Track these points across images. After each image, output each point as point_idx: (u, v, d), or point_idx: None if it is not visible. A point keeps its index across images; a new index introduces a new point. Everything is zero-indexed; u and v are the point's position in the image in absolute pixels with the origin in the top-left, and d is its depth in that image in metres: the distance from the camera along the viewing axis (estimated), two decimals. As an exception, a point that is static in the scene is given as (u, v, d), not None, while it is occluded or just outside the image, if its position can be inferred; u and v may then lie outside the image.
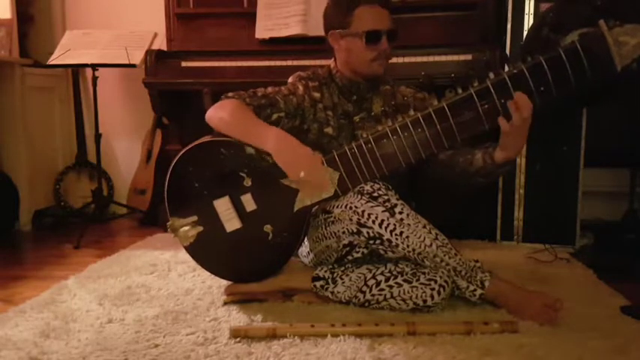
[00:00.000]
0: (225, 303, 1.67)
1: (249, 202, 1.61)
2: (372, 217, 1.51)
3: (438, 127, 1.52)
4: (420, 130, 1.53)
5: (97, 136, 2.96)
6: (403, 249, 1.52)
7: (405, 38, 2.27)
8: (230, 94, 1.70)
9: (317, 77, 1.81)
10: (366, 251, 1.64)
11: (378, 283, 1.57)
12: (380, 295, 1.56)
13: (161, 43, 2.88)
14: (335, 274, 1.63)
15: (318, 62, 2.43)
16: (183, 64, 2.70)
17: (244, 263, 1.67)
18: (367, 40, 1.67)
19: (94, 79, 2.88)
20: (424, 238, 1.51)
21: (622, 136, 2.58)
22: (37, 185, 3.14)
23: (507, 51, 2.40)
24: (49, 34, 3.34)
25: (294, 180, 1.55)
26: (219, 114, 1.63)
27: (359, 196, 1.54)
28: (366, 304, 1.59)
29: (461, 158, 1.66)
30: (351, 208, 1.54)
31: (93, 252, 2.49)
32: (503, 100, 1.47)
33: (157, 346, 1.40)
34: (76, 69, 3.24)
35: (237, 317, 1.58)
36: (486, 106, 1.49)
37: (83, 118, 3.34)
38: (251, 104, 1.66)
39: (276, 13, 2.69)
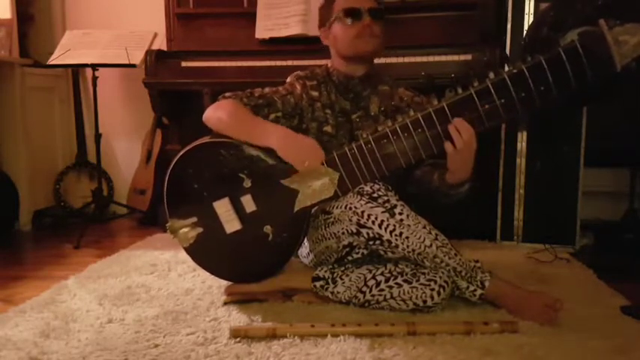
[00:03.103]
0: (225, 303, 1.67)
1: (249, 203, 1.61)
2: (372, 217, 1.51)
3: (438, 127, 1.51)
4: (420, 130, 1.53)
5: (97, 136, 2.96)
6: (403, 249, 1.52)
7: (405, 38, 2.27)
8: (227, 95, 1.70)
9: (314, 76, 1.81)
10: (365, 252, 1.64)
11: (378, 284, 1.57)
12: (380, 295, 1.56)
13: (161, 43, 2.88)
14: (335, 275, 1.63)
15: (318, 62, 2.42)
16: (183, 64, 2.70)
17: (244, 264, 1.67)
18: (346, 16, 1.71)
19: (94, 79, 2.88)
20: (424, 239, 1.51)
21: (622, 136, 2.58)
22: (37, 185, 3.14)
23: (507, 51, 2.40)
24: (49, 34, 3.34)
25: (300, 170, 1.56)
26: (218, 114, 1.64)
27: (359, 197, 1.54)
28: (366, 304, 1.59)
29: (425, 178, 1.70)
30: (350, 208, 1.54)
31: (93, 252, 2.49)
32: (503, 100, 1.47)
33: (157, 346, 1.40)
34: (76, 69, 3.24)
35: (237, 317, 1.58)
36: (487, 106, 1.48)
37: (83, 118, 3.34)
38: (248, 104, 1.67)
39: (276, 13, 2.69)
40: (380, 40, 1.75)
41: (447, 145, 1.50)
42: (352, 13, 1.71)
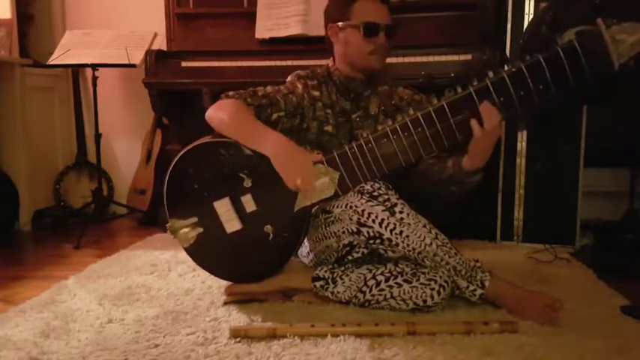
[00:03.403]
0: (225, 303, 1.67)
1: (249, 203, 1.61)
2: (372, 216, 1.51)
3: (438, 126, 1.52)
4: (419, 129, 1.53)
5: (97, 136, 2.96)
6: (403, 248, 1.52)
7: (405, 38, 2.26)
8: (230, 94, 1.70)
9: (315, 76, 1.81)
10: (366, 251, 1.64)
11: (378, 283, 1.57)
12: (380, 295, 1.56)
13: (161, 43, 2.88)
14: (335, 274, 1.63)
15: (318, 62, 2.43)
16: (183, 64, 2.70)
17: (244, 264, 1.67)
18: (365, 31, 1.68)
19: (94, 79, 2.88)
20: (424, 238, 1.51)
21: (622, 136, 2.58)
22: (37, 185, 3.14)
23: (507, 51, 2.40)
24: (49, 34, 3.34)
25: (290, 187, 1.55)
26: (219, 115, 1.63)
27: (359, 196, 1.54)
28: (366, 304, 1.59)
29: (435, 167, 1.70)
30: (351, 207, 1.54)
31: (93, 252, 2.49)
32: (502, 99, 1.47)
33: (157, 346, 1.40)
34: (76, 69, 3.24)
35: (237, 317, 1.58)
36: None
37: (83, 118, 3.34)
38: (252, 104, 1.66)
39: (276, 13, 2.69)
40: (386, 58, 1.76)
41: (475, 126, 1.49)
42: (372, 29, 1.68)
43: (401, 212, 1.52)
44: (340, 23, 1.74)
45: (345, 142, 1.64)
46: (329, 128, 1.77)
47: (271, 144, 1.56)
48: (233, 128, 1.61)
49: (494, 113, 1.48)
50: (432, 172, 1.71)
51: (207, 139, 1.65)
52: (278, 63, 2.61)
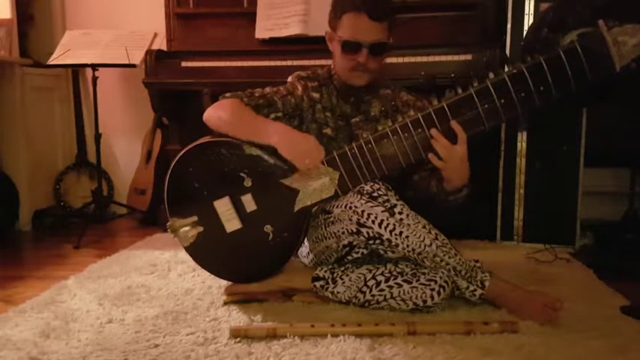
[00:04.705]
0: (225, 303, 1.68)
1: (249, 203, 1.61)
2: (372, 217, 1.51)
3: (438, 127, 1.52)
4: (420, 130, 1.53)
5: (97, 136, 2.96)
6: (403, 249, 1.52)
7: (405, 38, 2.27)
8: (227, 95, 1.70)
9: (317, 77, 1.80)
10: (365, 251, 1.64)
11: (378, 284, 1.57)
12: (380, 295, 1.56)
13: (161, 43, 2.88)
14: (335, 274, 1.63)
15: (318, 62, 2.43)
16: (183, 64, 2.70)
17: (244, 264, 1.67)
18: (343, 48, 1.66)
19: (94, 79, 2.88)
20: (424, 238, 1.51)
21: (622, 136, 2.58)
22: (37, 185, 3.14)
23: (507, 51, 2.40)
24: (49, 34, 3.34)
25: (301, 168, 1.55)
26: (218, 114, 1.64)
27: (359, 196, 1.54)
28: (366, 304, 1.59)
29: (422, 183, 1.72)
30: (350, 208, 1.54)
31: (93, 252, 2.49)
32: (503, 100, 1.47)
33: (157, 346, 1.40)
34: (76, 69, 3.24)
35: (237, 317, 1.58)
36: (486, 105, 1.49)
37: (83, 118, 3.34)
38: (249, 104, 1.67)
39: (276, 13, 2.69)
40: (374, 75, 1.70)
41: (432, 158, 1.52)
42: (351, 46, 1.64)
43: (400, 213, 1.52)
44: (331, 32, 1.71)
45: (344, 145, 1.64)
46: (328, 131, 1.76)
47: (275, 133, 1.57)
48: (233, 125, 1.61)
49: (444, 142, 1.50)
50: (421, 188, 1.73)
51: (207, 138, 1.65)
52: (278, 63, 2.61)
